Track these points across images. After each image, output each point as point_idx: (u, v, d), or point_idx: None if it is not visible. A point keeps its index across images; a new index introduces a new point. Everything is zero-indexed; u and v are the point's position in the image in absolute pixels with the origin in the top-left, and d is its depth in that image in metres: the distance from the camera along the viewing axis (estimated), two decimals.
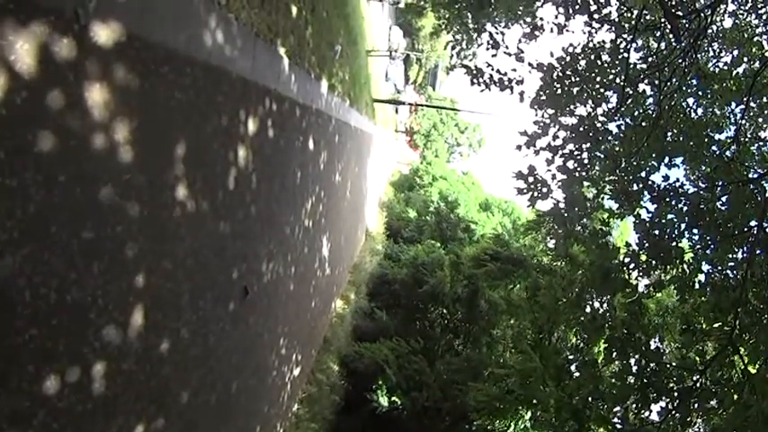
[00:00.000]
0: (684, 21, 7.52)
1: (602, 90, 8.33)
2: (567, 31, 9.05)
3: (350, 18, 15.38)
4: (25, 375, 2.84)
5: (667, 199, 7.18)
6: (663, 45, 8.45)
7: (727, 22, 8.99)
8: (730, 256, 6.99)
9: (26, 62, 2.58)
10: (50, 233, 2.88)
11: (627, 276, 7.28)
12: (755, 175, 7.25)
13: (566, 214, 7.93)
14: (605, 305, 8.00)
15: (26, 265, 2.74)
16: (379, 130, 28.48)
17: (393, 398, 13.26)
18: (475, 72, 8.77)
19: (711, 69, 8.52)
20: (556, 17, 9.00)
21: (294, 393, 10.23)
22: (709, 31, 8.13)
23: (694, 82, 8.04)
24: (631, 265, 7.26)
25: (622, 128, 8.30)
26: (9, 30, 2.48)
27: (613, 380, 7.29)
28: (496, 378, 11.57)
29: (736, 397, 6.05)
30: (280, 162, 7.17)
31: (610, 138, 8.18)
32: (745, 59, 8.53)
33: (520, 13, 9.35)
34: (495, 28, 10.24)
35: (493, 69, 8.74)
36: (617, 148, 7.95)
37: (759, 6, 8.62)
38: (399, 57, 49.13)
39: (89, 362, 3.36)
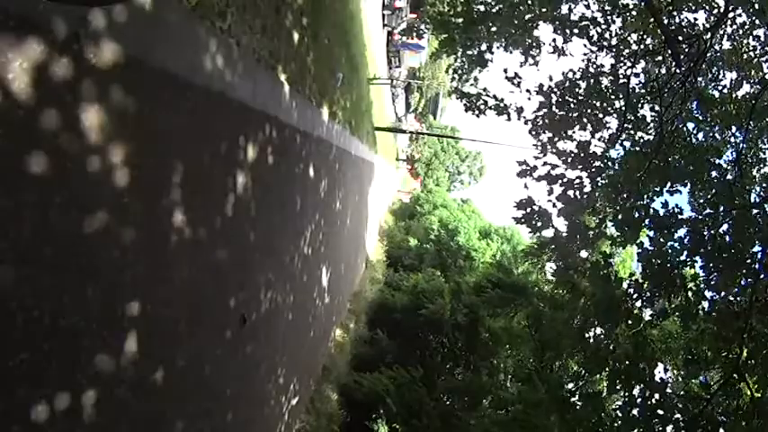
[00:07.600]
0: (684, 46, 7.55)
1: (601, 116, 8.33)
2: (567, 54, 9.04)
3: (351, 46, 15.50)
4: (15, 400, 2.76)
5: (669, 226, 7.12)
6: (663, 70, 8.45)
7: (726, 45, 8.97)
8: (734, 282, 6.91)
9: (24, 81, 2.56)
10: (44, 255, 2.84)
11: (630, 306, 7.18)
12: (757, 199, 7.20)
13: (567, 243, 7.88)
14: (608, 335, 7.87)
15: (19, 287, 2.68)
16: (380, 159, 28.54)
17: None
18: (469, 97, 8.79)
19: (711, 93, 8.49)
20: (554, 40, 8.99)
21: (292, 423, 10.06)
22: (709, 54, 8.12)
23: (694, 106, 8.04)
24: (635, 296, 7.17)
25: (622, 154, 8.28)
26: (8, 47, 2.47)
27: (618, 412, 7.14)
28: (498, 404, 11.38)
29: (744, 424, 5.93)
30: (279, 190, 7.15)
31: (610, 164, 8.15)
32: (745, 82, 8.50)
33: (515, 32, 9.19)
34: (486, 46, 10.01)
35: (489, 95, 8.75)
36: (618, 176, 7.91)
37: (757, 26, 8.59)
38: (401, 85, 49.59)
39: (81, 388, 3.28)
